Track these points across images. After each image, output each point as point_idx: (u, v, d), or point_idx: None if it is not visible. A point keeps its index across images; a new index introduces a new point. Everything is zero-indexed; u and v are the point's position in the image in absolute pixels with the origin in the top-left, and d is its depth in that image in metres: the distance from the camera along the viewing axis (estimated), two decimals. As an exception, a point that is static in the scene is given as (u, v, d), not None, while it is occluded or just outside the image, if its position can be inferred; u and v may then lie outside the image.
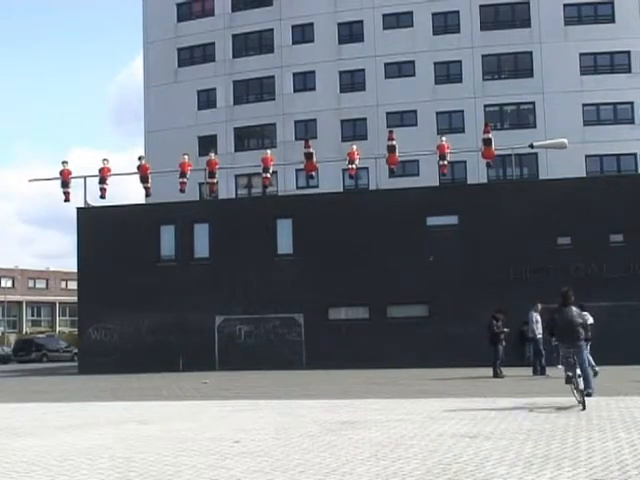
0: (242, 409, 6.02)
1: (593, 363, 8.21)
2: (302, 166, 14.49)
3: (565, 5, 20.76)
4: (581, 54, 20.30)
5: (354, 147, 13.62)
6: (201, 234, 13.04)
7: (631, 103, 20.12)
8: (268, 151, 14.37)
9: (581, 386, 5.20)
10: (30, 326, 36.10)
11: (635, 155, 19.94)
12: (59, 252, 56.04)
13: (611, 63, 20.57)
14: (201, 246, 13.02)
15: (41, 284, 37.59)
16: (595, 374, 7.72)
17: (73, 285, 25.14)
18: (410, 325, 11.72)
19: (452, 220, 12.12)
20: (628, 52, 20.25)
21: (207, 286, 12.57)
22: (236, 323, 12.50)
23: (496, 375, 9.07)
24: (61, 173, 13.87)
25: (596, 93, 19.88)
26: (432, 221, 12.13)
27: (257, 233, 12.59)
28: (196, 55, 23.14)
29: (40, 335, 27.42)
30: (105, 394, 8.06)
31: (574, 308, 5.53)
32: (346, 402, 6.28)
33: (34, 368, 16.70)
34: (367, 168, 16.52)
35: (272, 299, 12.25)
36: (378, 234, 12.07)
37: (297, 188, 19.82)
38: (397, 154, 13.33)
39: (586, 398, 5.22)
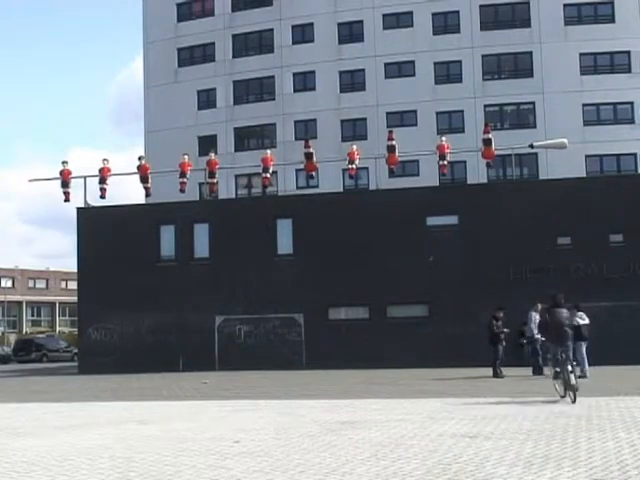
0: (242, 409, 6.03)
1: (587, 367, 8.35)
2: (302, 166, 14.47)
3: (565, 5, 20.75)
4: (581, 54, 20.30)
5: (354, 147, 13.62)
6: (201, 234, 13.04)
7: (631, 103, 20.10)
8: (268, 151, 14.36)
9: (573, 381, 5.62)
10: (30, 326, 36.05)
11: (635, 155, 19.92)
12: (59, 252, 56.05)
13: (611, 63, 20.57)
14: (201, 246, 13.01)
15: (41, 284, 37.53)
16: (583, 376, 7.91)
17: (73, 285, 25.08)
18: (410, 325, 11.71)
19: (452, 220, 12.12)
20: (628, 52, 20.24)
21: (207, 286, 12.56)
22: (236, 323, 12.48)
23: (496, 375, 9.09)
24: (61, 173, 13.85)
25: (596, 93, 19.87)
26: (432, 221, 12.13)
27: (257, 233, 12.59)
28: (196, 55, 23.13)
29: (40, 335, 27.35)
30: (105, 394, 8.06)
31: (564, 310, 6.04)
32: (346, 402, 6.28)
33: (34, 368, 16.69)
34: (367, 168, 16.49)
35: (272, 299, 12.24)
36: (378, 234, 12.06)
37: (297, 188, 19.81)
38: (397, 154, 13.32)
39: (586, 398, 5.55)
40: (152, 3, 23.87)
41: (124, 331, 12.69)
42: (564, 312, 6.01)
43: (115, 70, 58.67)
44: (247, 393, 7.60)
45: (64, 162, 14.04)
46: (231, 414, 5.67)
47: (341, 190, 17.96)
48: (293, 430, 4.47)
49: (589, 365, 8.58)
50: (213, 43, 22.86)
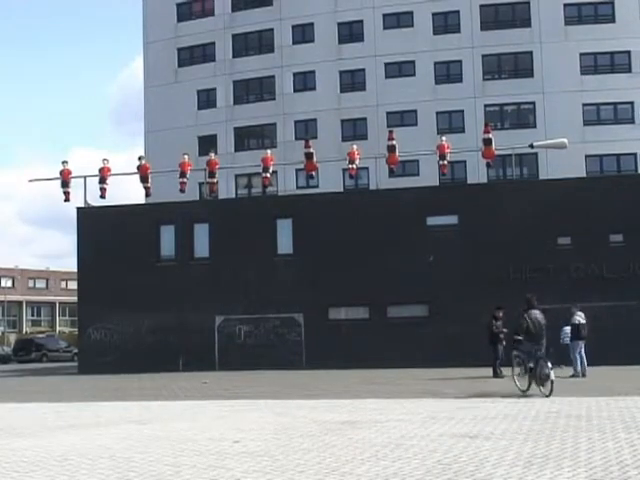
0: (242, 409, 6.03)
1: (578, 368, 8.53)
2: (302, 166, 14.47)
3: (565, 5, 20.75)
4: (581, 54, 20.30)
5: (354, 147, 13.62)
6: (201, 234, 13.04)
7: (631, 103, 20.11)
8: (268, 151, 14.38)
9: (552, 377, 6.22)
10: (30, 326, 36.03)
11: (635, 155, 19.92)
12: (59, 252, 55.99)
13: (611, 63, 20.57)
14: (201, 246, 13.02)
15: (41, 284, 37.52)
16: (576, 375, 8.20)
17: (73, 285, 25.06)
18: (410, 325, 11.72)
19: (452, 220, 12.11)
20: (628, 52, 20.24)
21: (207, 286, 12.56)
22: (236, 323, 12.49)
23: (496, 375, 9.12)
24: (61, 173, 13.85)
25: (596, 93, 19.87)
26: (432, 221, 12.12)
27: (257, 233, 12.59)
28: (196, 55, 23.13)
29: (40, 335, 27.32)
30: (105, 394, 8.06)
31: (538, 311, 6.67)
32: (346, 402, 6.29)
33: (34, 368, 16.68)
34: (367, 168, 16.51)
35: (272, 299, 12.25)
36: (378, 234, 12.06)
37: (297, 188, 19.81)
38: (397, 154, 13.32)
39: (585, 398, 5.76)
40: (152, 3, 23.87)
41: (124, 331, 12.70)
42: (538, 313, 6.58)
43: (116, 70, 58.90)
44: (247, 393, 7.60)
45: (64, 162, 14.04)
46: (231, 414, 5.67)
47: (341, 190, 17.95)
48: (293, 430, 4.47)
49: (587, 365, 8.64)
50: (213, 43, 22.87)
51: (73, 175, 13.81)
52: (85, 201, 13.84)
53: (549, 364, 6.26)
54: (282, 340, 12.24)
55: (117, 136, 56.71)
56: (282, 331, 12.27)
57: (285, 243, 12.70)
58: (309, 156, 13.58)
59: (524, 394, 6.35)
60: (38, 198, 53.08)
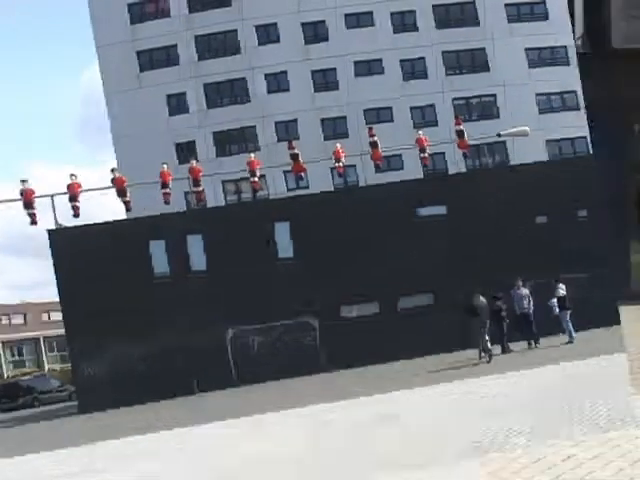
0: (263, 422, 5.81)
1: (573, 334, 9.74)
2: (289, 168, 14.26)
3: (506, 5, 22.33)
4: (527, 49, 21.97)
5: (338, 145, 13.57)
6: (195, 246, 12.44)
7: (574, 92, 22.24)
8: (252, 154, 13.95)
9: (489, 347, 8.85)
10: (12, 369, 30.87)
11: (585, 138, 22.05)
12: (33, 281, 48.49)
13: (552, 56, 22.52)
14: (197, 258, 12.42)
15: (18, 319, 32.21)
16: (571, 341, 9.62)
17: (57, 316, 21.72)
18: (420, 315, 11.92)
19: (441, 210, 12.61)
20: (565, 47, 22.12)
21: (210, 300, 11.92)
22: (248, 334, 12.06)
23: (504, 351, 9.71)
24: (22, 193, 12.39)
25: (545, 83, 21.63)
26: (425, 211, 12.51)
27: (254, 239, 12.22)
28: (158, 58, 21.85)
29: (26, 377, 23.05)
30: (106, 430, 7.41)
31: (481, 298, 9.37)
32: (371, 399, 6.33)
33: (24, 415, 14.31)
34: (354, 166, 16.67)
35: (279, 305, 11.96)
36: (377, 232, 12.17)
37: (288, 190, 19.48)
38: (380, 149, 13.53)
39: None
40: (98, 4, 22.12)
41: (125, 360, 11.66)
42: (483, 299, 9.35)
43: (76, 76, 52.30)
44: (268, 405, 7.31)
45: (23, 181, 12.52)
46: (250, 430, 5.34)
47: (331, 189, 17.74)
48: (322, 435, 4.23)
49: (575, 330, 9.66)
50: (175, 45, 21.74)
51: (37, 195, 12.51)
52: (56, 222, 12.52)
53: (487, 337, 8.75)
54: (295, 345, 12.00)
55: (82, 149, 51.38)
56: (295, 336, 12.03)
57: (285, 247, 12.48)
58: (295, 157, 13.32)
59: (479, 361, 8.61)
60: (-2, 223, 46.52)
